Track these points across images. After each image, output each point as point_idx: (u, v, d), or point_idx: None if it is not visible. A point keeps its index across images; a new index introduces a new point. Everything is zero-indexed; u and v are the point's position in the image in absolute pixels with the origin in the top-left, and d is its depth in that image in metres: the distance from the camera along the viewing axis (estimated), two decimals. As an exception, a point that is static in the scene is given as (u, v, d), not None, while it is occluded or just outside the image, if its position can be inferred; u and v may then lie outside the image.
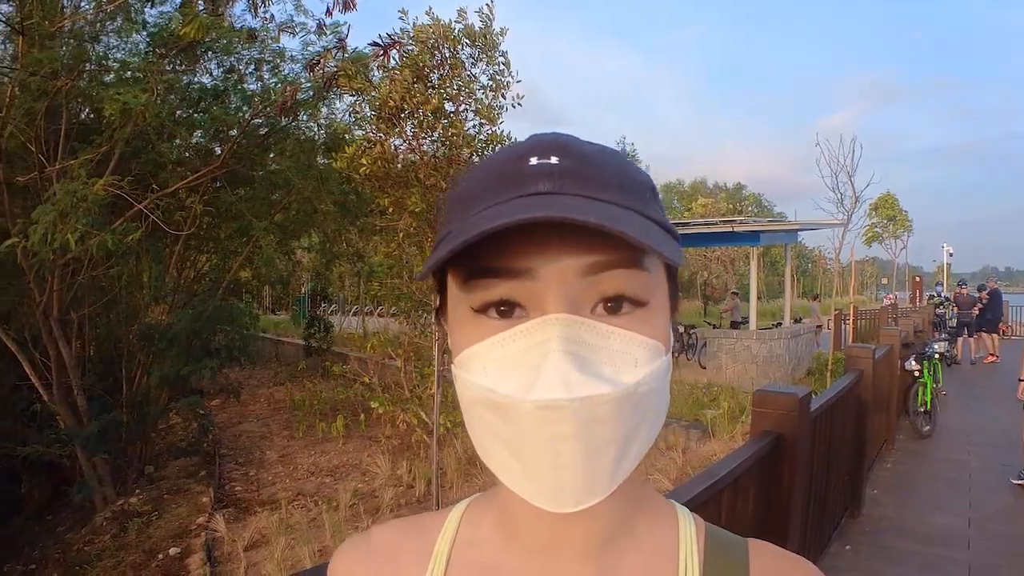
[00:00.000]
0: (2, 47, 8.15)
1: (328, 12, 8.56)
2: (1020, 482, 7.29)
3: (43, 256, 6.84)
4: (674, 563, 0.71)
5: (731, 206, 48.97)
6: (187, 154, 10.43)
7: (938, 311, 18.07)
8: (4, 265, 7.82)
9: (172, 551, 7.28)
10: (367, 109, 8.84)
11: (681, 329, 17.40)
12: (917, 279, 30.28)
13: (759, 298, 18.73)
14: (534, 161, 0.60)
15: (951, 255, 35.07)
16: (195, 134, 10.45)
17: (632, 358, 0.59)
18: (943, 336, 13.92)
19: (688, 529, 0.74)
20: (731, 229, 16.37)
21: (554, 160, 0.60)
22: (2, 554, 8.04)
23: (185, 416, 11.29)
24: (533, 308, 0.59)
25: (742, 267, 34.15)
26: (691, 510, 2.23)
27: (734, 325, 17.84)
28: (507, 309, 0.60)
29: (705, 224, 18.20)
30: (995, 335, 17.33)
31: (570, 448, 0.56)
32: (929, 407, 9.28)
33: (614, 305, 0.59)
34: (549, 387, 0.55)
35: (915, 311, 18.54)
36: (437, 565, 0.73)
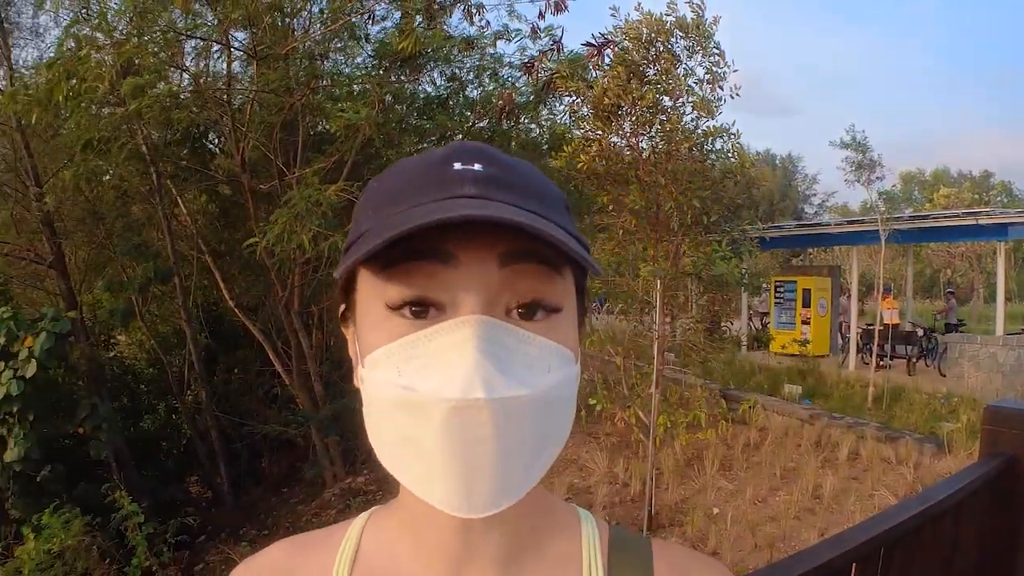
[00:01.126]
0: (242, 69, 8.94)
1: (540, 15, 8.77)
2: None
3: (282, 255, 7.46)
4: (578, 568, 0.71)
5: (976, 196, 45.12)
6: (417, 160, 10.99)
7: None
8: (252, 264, 8.63)
9: (395, 528, 7.73)
10: (584, 108, 8.98)
11: (920, 332, 16.32)
12: None
13: (1008, 299, 17.22)
14: (458, 166, 0.61)
15: None
16: (424, 141, 11.01)
17: (546, 364, 0.59)
18: None
19: (591, 533, 0.74)
20: (975, 222, 15.13)
21: (477, 167, 0.61)
22: (241, 518, 8.90)
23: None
24: (450, 305, 0.58)
25: (989, 264, 31.46)
26: (900, 536, 2.06)
27: (949, 328, 16.71)
28: (421, 309, 0.59)
29: (945, 217, 16.94)
30: None
31: (486, 450, 0.56)
32: None
33: (528, 311, 0.60)
34: (467, 387, 0.54)
35: None
36: None
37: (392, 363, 0.59)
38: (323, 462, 9.08)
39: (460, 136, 10.19)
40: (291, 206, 6.93)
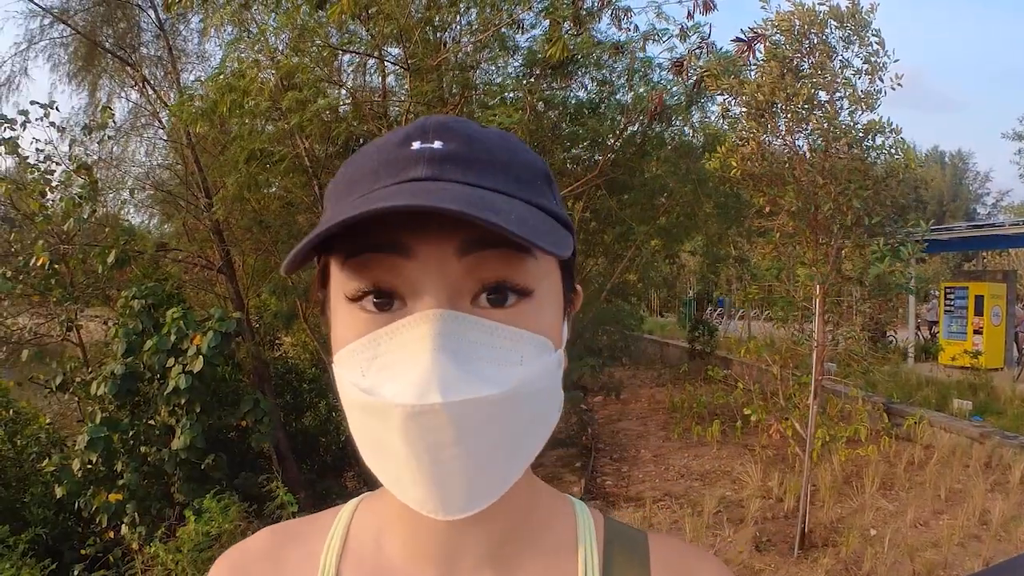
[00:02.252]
0: (396, 83, 9.24)
1: (689, 15, 8.63)
2: None
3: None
4: (573, 559, 0.70)
5: None
6: (569, 165, 11.04)
7: None
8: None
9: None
10: (736, 107, 8.78)
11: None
12: None
13: None
14: (416, 145, 0.59)
15: None
16: (576, 146, 11.05)
17: (517, 355, 0.57)
18: None
19: (586, 524, 0.73)
20: None
21: (437, 144, 0.59)
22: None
23: (566, 410, 11.91)
24: (411, 297, 0.57)
25: None
26: None
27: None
28: (384, 301, 0.58)
29: None
30: None
31: (451, 454, 0.54)
32: None
33: (497, 297, 0.58)
34: (423, 391, 0.52)
35: None
36: (326, 573, 0.70)
37: (356, 363, 0.58)
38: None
39: (612, 141, 10.20)
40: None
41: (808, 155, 8.08)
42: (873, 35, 7.61)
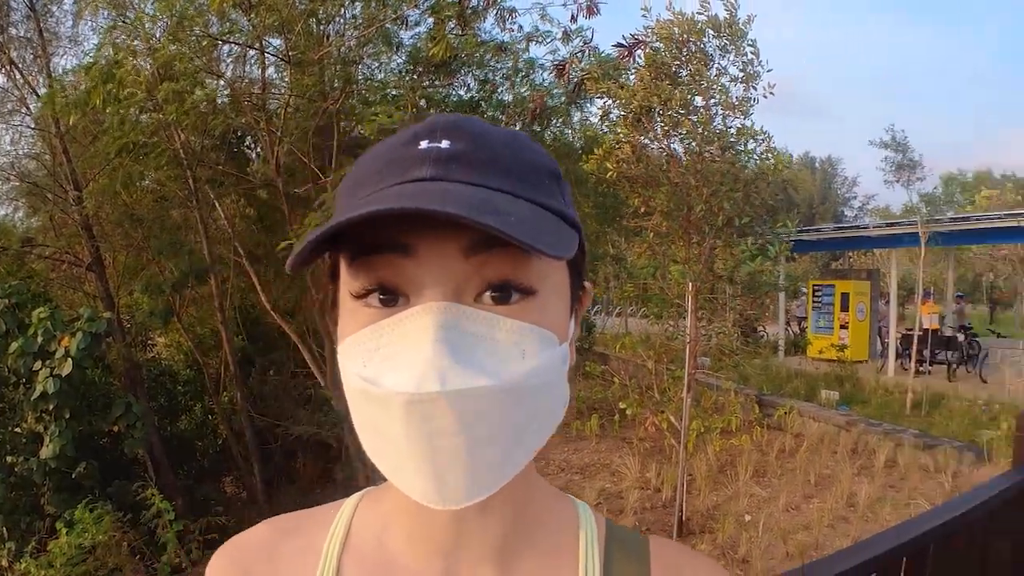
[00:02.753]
0: (277, 75, 9.05)
1: (572, 19, 8.77)
2: None
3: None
4: (574, 561, 0.70)
5: (1020, 198, 44.37)
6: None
7: None
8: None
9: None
10: (615, 110, 8.94)
11: (962, 337, 16.10)
12: None
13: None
14: (423, 145, 0.59)
15: None
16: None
17: (519, 348, 0.57)
18: None
19: (588, 526, 0.73)
20: (1018, 224, 14.87)
21: (444, 144, 0.59)
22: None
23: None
24: (414, 294, 0.57)
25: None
26: (932, 543, 2.04)
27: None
28: (388, 298, 0.58)
29: (988, 219, 16.66)
30: None
31: (450, 444, 0.54)
32: None
33: (501, 295, 0.57)
34: (424, 380, 0.52)
35: None
36: (327, 568, 0.70)
37: (358, 353, 0.58)
38: (356, 463, 9.11)
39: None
40: (324, 210, 7.00)
41: (682, 158, 8.30)
42: (749, 45, 7.89)
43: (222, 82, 8.64)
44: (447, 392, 0.52)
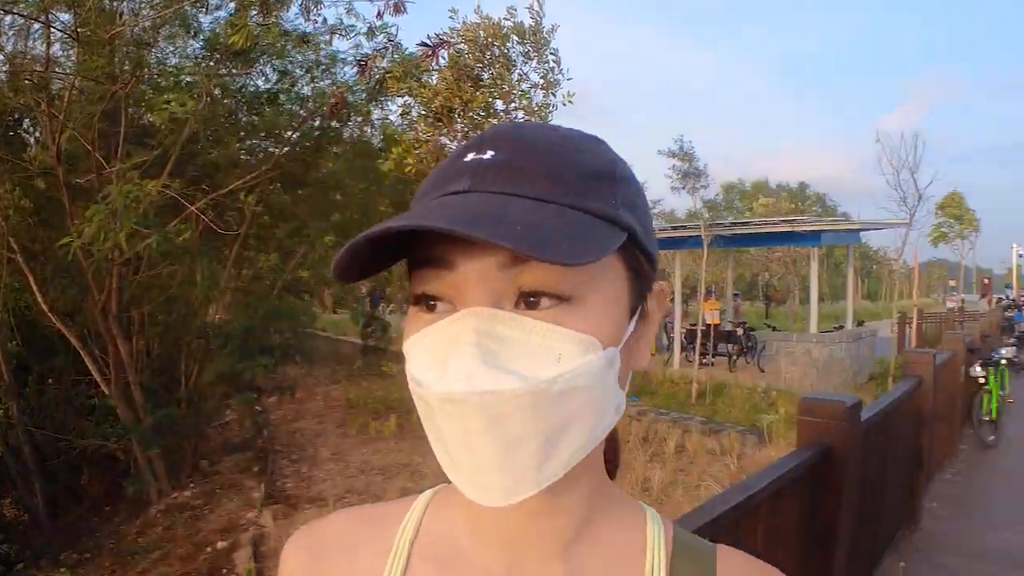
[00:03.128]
0: (63, 53, 8.36)
1: (379, 15, 8.63)
2: None
3: (99, 256, 7.03)
4: (640, 566, 0.70)
5: (793, 206, 48.22)
6: (243, 156, 10.63)
7: (1007, 314, 17.50)
8: (68, 264, 8.08)
9: (220, 545, 7.40)
10: (416, 110, 8.91)
11: (740, 331, 17.25)
12: (986, 281, 29.40)
13: (821, 300, 18.39)
14: (469, 158, 0.62)
15: (1021, 256, 33.93)
16: (252, 136, 10.65)
17: (554, 353, 0.57)
18: (1012, 341, 13.49)
19: (656, 532, 0.73)
20: (791, 229, 16.11)
21: (488, 155, 0.61)
22: (61, 542, 8.24)
23: (241, 413, 11.48)
24: (459, 302, 0.59)
25: (804, 268, 33.53)
26: (726, 523, 2.14)
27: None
28: (437, 304, 0.61)
29: (764, 224, 17.93)
30: None
31: (481, 441, 0.56)
32: (995, 416, 8.99)
33: (536, 301, 0.58)
34: (453, 380, 0.55)
35: (982, 315, 17.99)
36: (398, 559, 0.72)
37: (412, 354, 0.62)
38: (146, 477, 8.61)
39: (291, 134, 9.98)
40: (108, 202, 6.53)
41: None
42: (551, 53, 8.10)
43: (0, 56, 7.89)
44: (474, 392, 0.54)
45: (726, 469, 8.95)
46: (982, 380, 8.90)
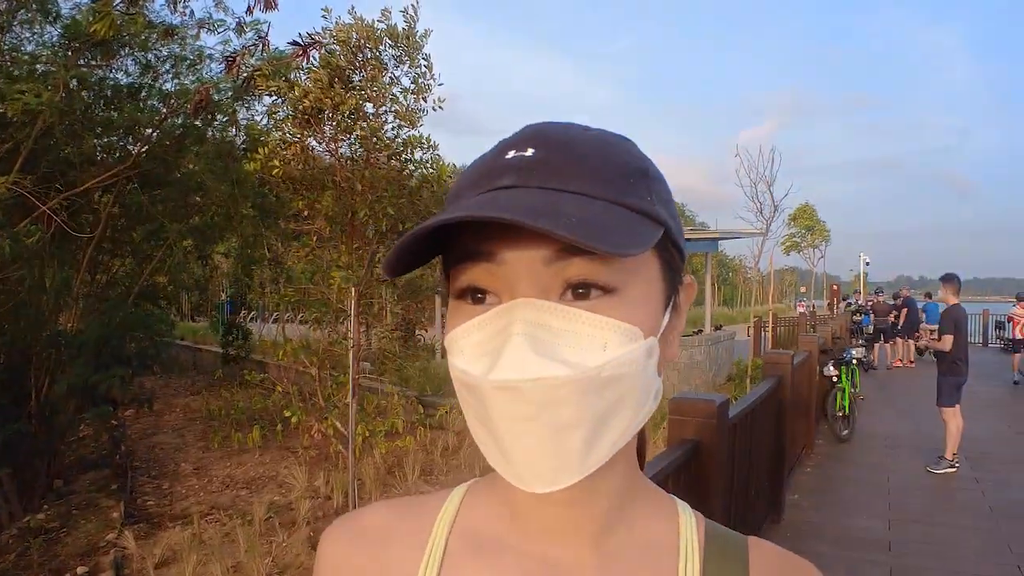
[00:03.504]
0: None
1: (249, 10, 8.36)
2: (939, 471, 7.62)
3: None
4: (674, 556, 0.72)
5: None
6: (100, 153, 10.10)
7: (855, 318, 18.56)
8: None
9: (80, 570, 7.02)
10: (284, 110, 8.67)
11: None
12: (835, 287, 31.03)
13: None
14: (511, 155, 0.63)
15: (868, 264, 35.98)
16: (109, 133, 10.12)
17: (600, 341, 0.59)
18: (861, 342, 14.30)
19: (689, 524, 0.75)
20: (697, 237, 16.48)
21: (529, 152, 0.62)
22: None
23: (96, 427, 10.89)
24: (505, 294, 0.61)
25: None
26: None
27: None
28: (481, 296, 0.62)
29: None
30: (911, 341, 17.94)
31: (531, 428, 0.58)
32: (848, 412, 9.55)
33: (583, 291, 0.60)
34: (505, 368, 0.57)
35: (833, 318, 19.03)
36: (435, 549, 0.73)
37: (458, 347, 0.62)
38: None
39: (151, 132, 9.56)
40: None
41: (350, 162, 8.29)
42: (423, 58, 8.07)
43: None
44: (524, 380, 0.56)
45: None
46: (835, 379, 9.44)
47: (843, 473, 8.07)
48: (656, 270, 0.66)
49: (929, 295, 19.22)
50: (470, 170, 0.66)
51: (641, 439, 0.78)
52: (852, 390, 9.86)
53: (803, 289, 48.87)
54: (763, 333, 18.87)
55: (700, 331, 18.28)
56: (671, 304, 0.69)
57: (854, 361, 10.16)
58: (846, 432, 9.49)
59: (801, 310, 24.81)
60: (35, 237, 6.76)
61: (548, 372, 0.56)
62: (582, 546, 0.70)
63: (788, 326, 20.45)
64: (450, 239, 0.62)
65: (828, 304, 30.24)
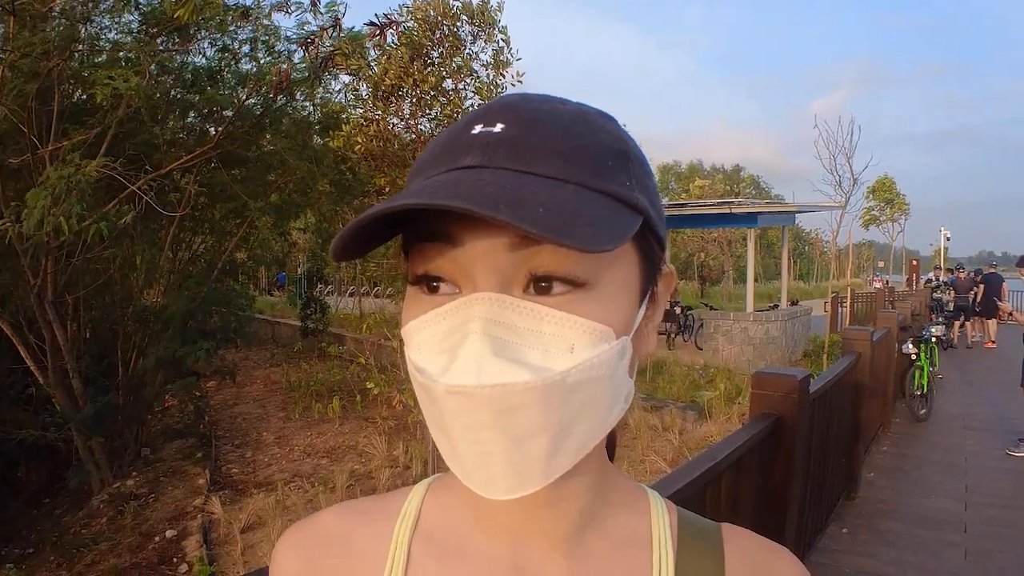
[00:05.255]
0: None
1: (321, -8, 8.44)
2: (1019, 454, 7.44)
3: (37, 239, 6.77)
4: (647, 550, 0.69)
5: (728, 188, 49.09)
6: (181, 135, 10.33)
7: (935, 295, 18.07)
8: (-3, 250, 7.78)
9: (168, 533, 7.27)
10: (363, 88, 8.75)
11: (678, 310, 17.46)
12: (914, 262, 30.18)
13: (756, 280, 18.73)
14: (477, 129, 0.57)
15: (948, 239, 34.91)
16: (189, 115, 10.35)
17: (567, 343, 0.55)
18: (940, 320, 13.95)
19: (660, 515, 0.72)
20: (728, 211, 16.33)
21: (498, 128, 0.57)
22: (2, 535, 8.00)
23: (181, 398, 11.22)
24: (465, 284, 0.56)
25: (739, 249, 34.16)
26: (693, 491, 2.27)
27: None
28: (440, 285, 0.58)
29: (702, 206, 18.14)
30: (993, 320, 17.40)
31: (489, 437, 0.54)
32: (926, 390, 9.33)
33: (547, 286, 0.55)
34: (460, 372, 0.53)
35: (912, 294, 18.54)
36: (398, 553, 0.69)
37: (414, 341, 0.58)
38: (88, 467, 8.37)
39: (230, 113, 9.74)
40: (48, 185, 6.29)
41: (431, 138, 8.34)
42: (500, 32, 8.06)
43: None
44: (481, 386, 0.52)
45: (668, 444, 9.08)
46: (914, 356, 9.20)
47: (920, 453, 7.91)
48: (633, 262, 0.61)
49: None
50: (435, 144, 0.61)
51: (611, 432, 0.71)
52: (931, 369, 9.62)
53: (881, 264, 47.65)
54: (840, 309, 18.51)
55: (776, 306, 18.04)
56: (648, 296, 0.65)
57: (933, 339, 9.91)
58: (924, 412, 9.29)
59: (878, 285, 24.27)
60: (127, 216, 6.95)
61: (507, 378, 0.52)
62: (550, 548, 0.67)
63: (865, 302, 20.02)
64: (409, 217, 0.56)
65: (907, 280, 29.52)
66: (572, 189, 0.54)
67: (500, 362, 0.52)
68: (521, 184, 0.53)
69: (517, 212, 0.48)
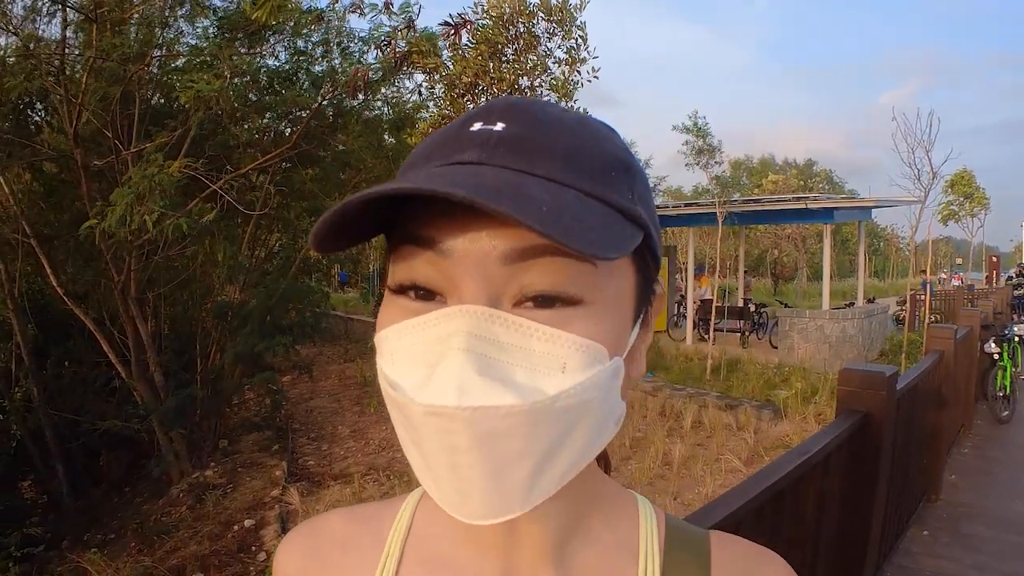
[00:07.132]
0: (75, 35, 8.24)
1: (395, -7, 8.52)
2: None
3: (120, 237, 6.96)
4: (634, 558, 0.68)
5: (801, 183, 48.10)
6: (257, 136, 10.54)
7: (1016, 292, 17.48)
8: (83, 247, 8.04)
9: (247, 522, 7.43)
10: (439, 87, 8.80)
11: (752, 307, 17.22)
12: (994, 259, 29.25)
13: (831, 277, 18.37)
14: (477, 127, 0.55)
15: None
16: (265, 116, 10.54)
17: (558, 362, 0.51)
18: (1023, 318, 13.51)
19: (648, 522, 0.71)
20: (804, 206, 16.03)
21: (498, 127, 0.54)
22: (83, 523, 8.26)
23: (258, 392, 11.43)
24: (451, 295, 0.53)
25: (813, 245, 33.49)
26: (784, 487, 2.26)
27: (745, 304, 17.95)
28: (424, 294, 0.54)
29: (777, 201, 17.84)
30: None
31: (468, 461, 0.50)
32: (1009, 391, 9.03)
33: (541, 302, 0.52)
34: (440, 391, 0.49)
35: (993, 292, 17.96)
36: (389, 560, 0.69)
37: (387, 349, 0.55)
38: (168, 457, 8.60)
39: (307, 114, 9.89)
40: (131, 185, 6.47)
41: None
42: (578, 29, 8.01)
43: (15, 39, 7.77)
44: (462, 408, 0.48)
45: (743, 443, 8.99)
46: (996, 356, 8.94)
47: (1003, 456, 7.65)
48: (629, 279, 0.59)
49: None
50: (430, 140, 0.59)
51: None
52: (1014, 369, 9.30)
53: (959, 260, 46.20)
54: (916, 307, 18.05)
55: (851, 304, 17.67)
56: (641, 318, 0.62)
57: (1016, 338, 9.59)
58: (1006, 413, 8.98)
59: (957, 283, 23.61)
60: (210, 215, 7.12)
61: (491, 400, 0.48)
62: (539, 558, 0.65)
63: (943, 300, 19.47)
64: (398, 217, 0.54)
65: (986, 277, 28.66)
66: (574, 194, 0.52)
67: (485, 381, 0.49)
68: (521, 183, 0.50)
69: (520, 206, 0.46)
